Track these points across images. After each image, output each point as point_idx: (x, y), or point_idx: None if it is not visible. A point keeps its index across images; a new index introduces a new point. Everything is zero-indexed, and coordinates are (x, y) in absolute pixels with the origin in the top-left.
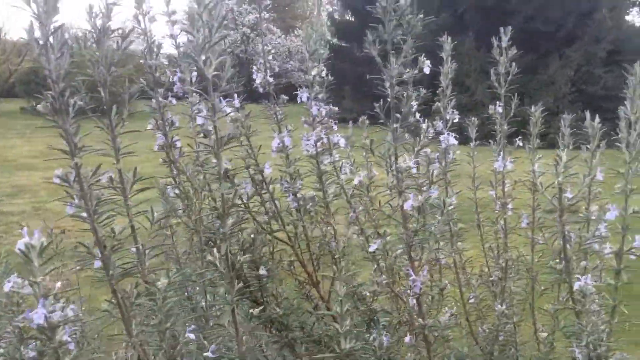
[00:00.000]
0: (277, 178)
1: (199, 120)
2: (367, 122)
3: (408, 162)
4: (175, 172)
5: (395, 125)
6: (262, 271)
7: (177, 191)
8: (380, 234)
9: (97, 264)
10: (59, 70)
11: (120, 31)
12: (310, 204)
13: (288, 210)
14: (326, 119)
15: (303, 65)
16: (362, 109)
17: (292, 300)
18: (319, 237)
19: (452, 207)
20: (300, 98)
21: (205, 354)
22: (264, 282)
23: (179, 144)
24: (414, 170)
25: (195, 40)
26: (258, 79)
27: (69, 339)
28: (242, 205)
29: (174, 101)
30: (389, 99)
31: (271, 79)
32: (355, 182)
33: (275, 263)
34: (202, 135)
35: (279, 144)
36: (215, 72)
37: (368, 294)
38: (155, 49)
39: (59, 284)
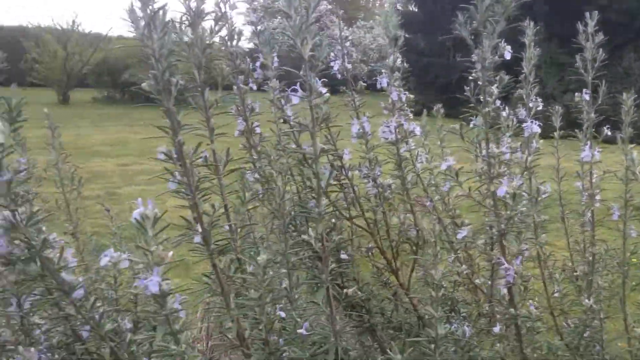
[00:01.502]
0: (355, 164)
1: (295, 100)
2: (442, 110)
3: (501, 147)
4: (255, 157)
5: (487, 109)
6: (343, 255)
7: (256, 175)
8: (458, 224)
9: (197, 239)
10: (162, 49)
11: (213, 14)
12: (389, 190)
13: (366, 197)
14: (405, 105)
15: (376, 53)
16: (427, 99)
17: (372, 286)
18: (397, 225)
19: (546, 195)
20: (380, 84)
21: (299, 330)
22: (344, 266)
23: (258, 130)
24: (507, 157)
25: (292, 20)
26: (336, 65)
27: (180, 307)
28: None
29: (254, 87)
30: (479, 82)
31: (349, 65)
32: (443, 167)
33: (354, 249)
34: (282, 120)
35: (358, 129)
36: (311, 53)
37: (448, 284)
38: (236, 36)
39: (170, 254)
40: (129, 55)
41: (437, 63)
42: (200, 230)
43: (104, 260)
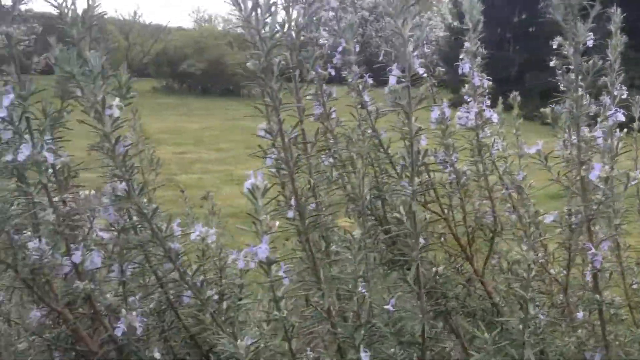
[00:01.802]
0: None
1: (392, 81)
2: (519, 98)
3: (593, 131)
4: (332, 141)
5: (580, 93)
6: (421, 239)
7: (331, 160)
8: (531, 212)
9: (291, 214)
10: (267, 29)
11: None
12: (465, 177)
13: (441, 183)
14: (486, 91)
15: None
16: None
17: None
18: (472, 212)
19: (635, 181)
20: (462, 69)
21: (385, 306)
22: (422, 250)
23: (334, 115)
24: (599, 141)
25: (394, 1)
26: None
27: (284, 275)
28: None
29: (333, 72)
30: (571, 66)
31: (428, 50)
32: (532, 150)
33: (428, 233)
34: (360, 106)
35: (438, 115)
36: (411, 33)
37: (522, 271)
38: (315, 21)
39: (277, 223)
40: (186, 45)
41: (497, 56)
42: (295, 205)
43: (194, 235)
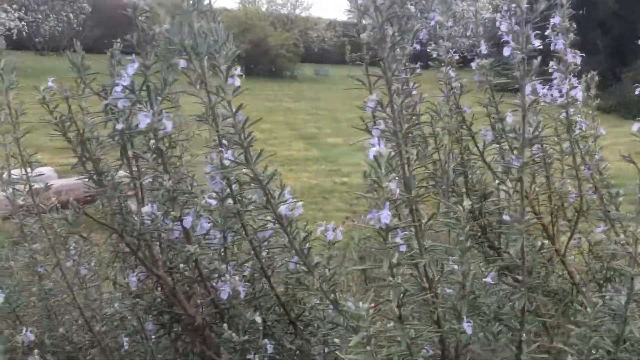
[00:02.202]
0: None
1: (506, 52)
2: (597, 77)
3: None
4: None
5: None
6: (505, 216)
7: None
8: (612, 194)
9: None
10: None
11: None
12: (549, 155)
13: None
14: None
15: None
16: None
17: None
18: (556, 190)
19: None
20: (555, 45)
21: (484, 279)
22: (503, 228)
23: (415, 91)
24: None
25: None
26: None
27: (401, 241)
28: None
29: (418, 47)
30: None
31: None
32: (635, 128)
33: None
34: (444, 83)
35: (530, 91)
36: (527, 5)
37: (604, 253)
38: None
39: (398, 190)
40: (231, 26)
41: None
42: (402, 176)
43: (283, 208)
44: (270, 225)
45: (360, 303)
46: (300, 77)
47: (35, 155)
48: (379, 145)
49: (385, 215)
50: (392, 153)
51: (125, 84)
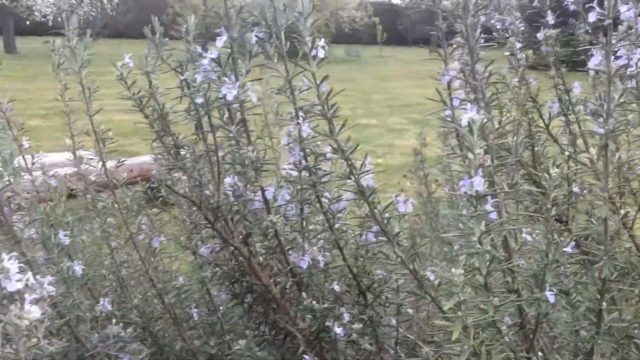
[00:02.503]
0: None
1: (591, 18)
2: None
3: None
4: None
5: None
6: (575, 188)
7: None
8: None
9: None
10: None
11: None
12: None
13: (591, 134)
14: None
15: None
16: None
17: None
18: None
19: None
20: (625, 12)
21: (564, 249)
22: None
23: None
24: None
25: None
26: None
27: (492, 209)
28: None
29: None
30: None
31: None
32: None
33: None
34: (509, 53)
35: (599, 61)
36: None
37: None
38: None
39: (489, 158)
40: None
41: None
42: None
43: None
44: (345, 196)
45: (453, 269)
46: (331, 58)
47: (108, 132)
48: (472, 111)
49: (478, 182)
50: (485, 120)
51: (213, 56)
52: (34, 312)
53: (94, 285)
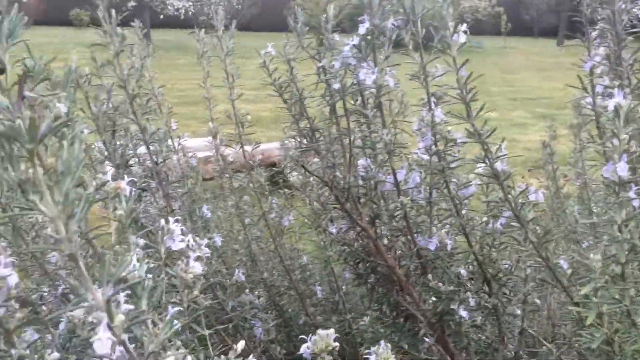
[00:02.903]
0: None
1: None
2: None
3: None
4: None
5: None
6: None
7: None
8: None
9: None
10: None
11: None
12: None
13: None
14: None
15: None
16: None
17: None
18: None
19: None
20: None
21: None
22: None
23: None
24: None
25: None
26: None
27: (635, 196)
28: None
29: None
30: None
31: None
32: None
33: None
34: None
35: None
36: None
37: None
38: None
39: (634, 144)
40: None
41: None
42: None
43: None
44: (474, 181)
45: (591, 254)
46: (455, 59)
47: (247, 116)
48: (619, 96)
49: (622, 167)
50: (632, 105)
51: (354, 43)
52: (197, 267)
53: (227, 257)
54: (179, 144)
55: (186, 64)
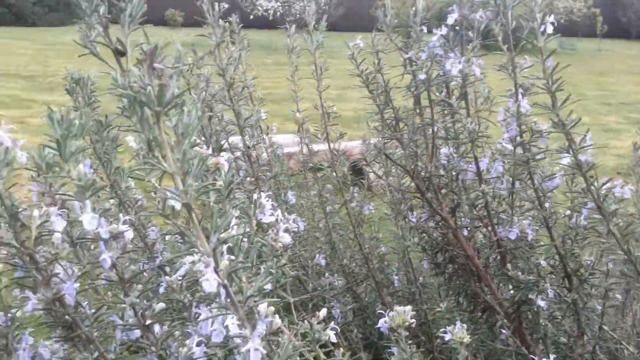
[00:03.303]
0: None
1: None
2: None
3: None
4: None
5: None
6: None
7: None
8: None
9: None
10: None
11: None
12: None
13: None
14: None
15: None
16: None
17: None
18: None
19: None
20: None
21: None
22: None
23: None
24: None
25: None
26: None
27: None
28: None
29: None
30: None
31: None
32: None
33: None
34: None
35: None
36: None
37: None
38: None
39: None
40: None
41: None
42: None
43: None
44: (559, 174)
45: None
46: (542, 49)
47: (332, 107)
48: None
49: None
50: None
51: (443, 33)
52: (286, 237)
53: (308, 244)
54: (268, 133)
55: (271, 63)
